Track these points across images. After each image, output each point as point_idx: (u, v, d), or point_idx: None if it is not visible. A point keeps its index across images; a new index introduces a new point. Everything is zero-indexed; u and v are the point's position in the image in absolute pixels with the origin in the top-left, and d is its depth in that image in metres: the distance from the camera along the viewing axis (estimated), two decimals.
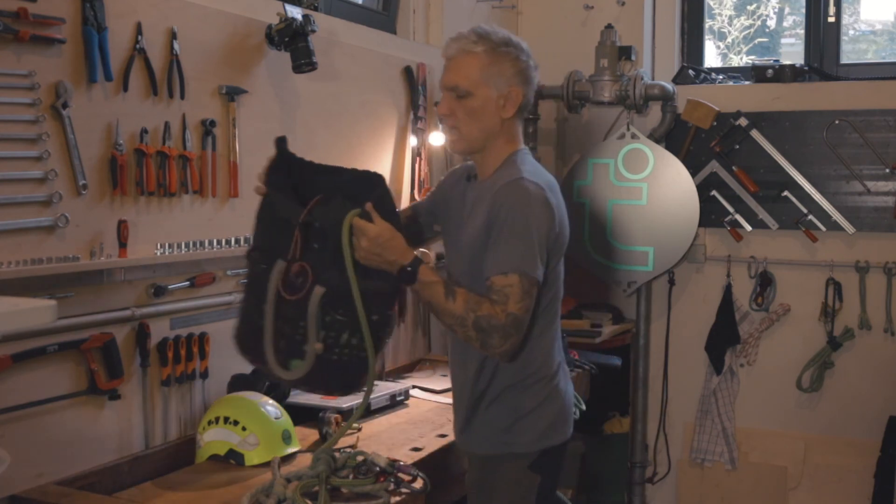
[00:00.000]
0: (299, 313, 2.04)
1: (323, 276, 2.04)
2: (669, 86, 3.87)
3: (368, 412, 2.72)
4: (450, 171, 2.43)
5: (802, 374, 3.87)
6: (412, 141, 3.44)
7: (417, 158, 3.46)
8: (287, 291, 2.07)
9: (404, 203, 3.42)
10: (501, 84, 2.11)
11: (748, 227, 3.90)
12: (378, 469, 2.08)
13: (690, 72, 4.07)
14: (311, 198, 2.07)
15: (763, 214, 3.87)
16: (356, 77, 3.13)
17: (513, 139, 2.19)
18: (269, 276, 2.08)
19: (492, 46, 2.11)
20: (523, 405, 2.15)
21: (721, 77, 4.09)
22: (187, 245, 2.42)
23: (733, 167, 3.89)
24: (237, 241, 2.60)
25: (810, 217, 3.80)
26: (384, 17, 3.59)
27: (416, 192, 3.46)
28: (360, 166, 3.15)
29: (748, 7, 4.47)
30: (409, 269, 2.01)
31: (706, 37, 4.35)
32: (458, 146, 2.19)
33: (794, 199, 3.82)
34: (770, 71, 3.90)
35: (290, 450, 2.35)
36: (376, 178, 2.08)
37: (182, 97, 2.42)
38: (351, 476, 2.08)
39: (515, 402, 2.15)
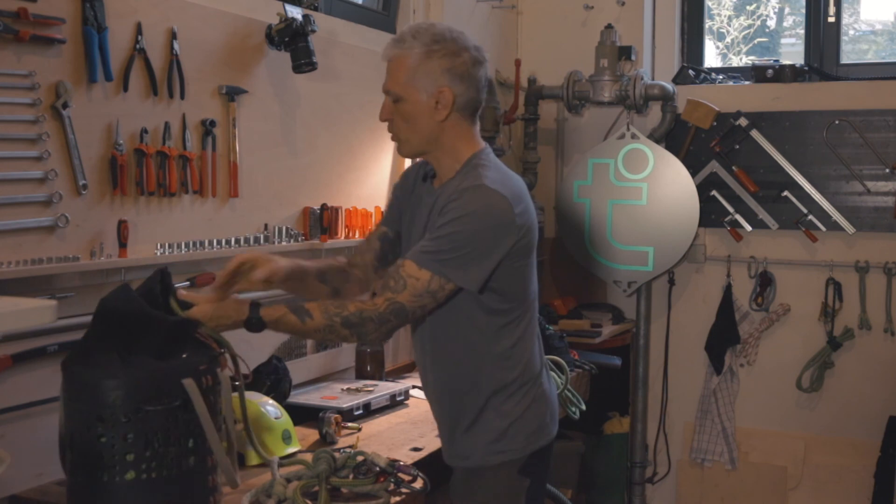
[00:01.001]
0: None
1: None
2: (669, 86, 3.88)
3: (368, 412, 2.72)
4: (402, 174, 2.31)
5: (802, 374, 3.88)
6: None
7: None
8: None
9: None
10: (430, 86, 1.98)
11: (748, 227, 3.90)
12: (378, 469, 2.07)
13: (690, 72, 4.07)
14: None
15: (763, 214, 3.87)
16: (356, 77, 3.13)
17: (467, 140, 2.04)
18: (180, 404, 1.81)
19: (423, 45, 1.98)
20: (512, 411, 2.06)
21: (721, 77, 4.09)
22: (187, 245, 2.43)
23: (733, 167, 3.89)
24: (237, 242, 2.60)
25: (810, 217, 3.80)
26: (384, 17, 3.59)
27: None
28: (360, 167, 3.18)
29: (748, 7, 4.47)
30: (253, 320, 1.93)
31: (706, 37, 4.35)
32: (402, 151, 2.11)
33: (794, 199, 3.82)
34: (770, 71, 3.91)
35: (290, 450, 2.34)
36: (160, 274, 1.96)
37: (182, 97, 2.42)
38: (351, 476, 2.07)
39: (504, 408, 2.06)
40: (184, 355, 1.87)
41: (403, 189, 2.23)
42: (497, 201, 1.94)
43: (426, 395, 2.20)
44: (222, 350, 1.95)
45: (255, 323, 1.94)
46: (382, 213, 2.29)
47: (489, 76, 2.09)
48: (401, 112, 2.02)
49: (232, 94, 2.57)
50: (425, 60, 1.98)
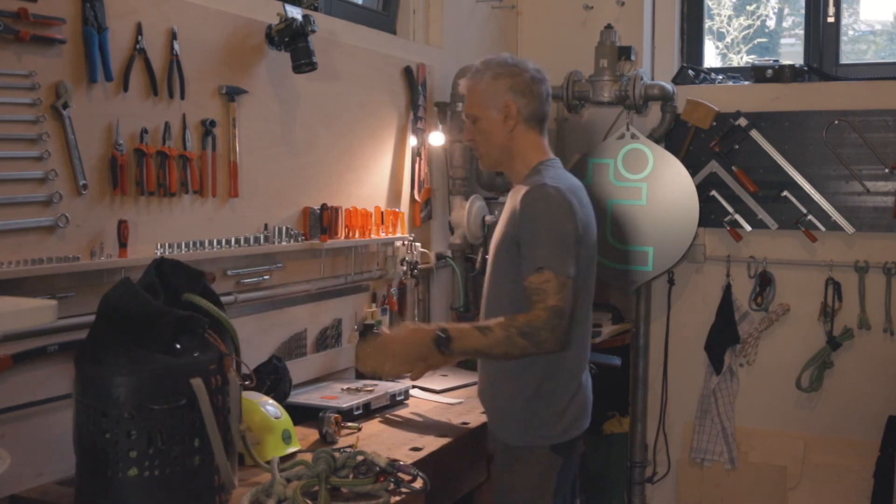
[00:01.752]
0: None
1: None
2: (669, 86, 3.87)
3: (368, 412, 2.72)
4: None
5: (802, 373, 3.88)
6: (412, 141, 3.44)
7: (417, 158, 3.47)
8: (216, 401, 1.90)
9: (404, 203, 3.42)
10: (498, 102, 2.34)
11: (748, 227, 3.90)
12: (378, 469, 2.08)
13: (690, 72, 4.07)
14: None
15: (763, 214, 3.87)
16: (356, 77, 3.13)
17: (536, 149, 2.40)
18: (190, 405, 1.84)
19: (491, 71, 2.35)
20: (560, 400, 2.32)
21: (721, 77, 4.09)
22: (187, 245, 2.43)
23: (733, 167, 3.89)
24: (237, 242, 2.60)
25: (810, 217, 3.80)
26: (384, 17, 3.60)
27: (415, 191, 3.46)
28: (360, 167, 3.18)
29: (747, 7, 4.48)
30: (441, 335, 2.19)
31: (706, 37, 4.35)
32: (484, 164, 2.47)
33: (793, 199, 3.82)
34: (769, 71, 3.90)
35: (290, 450, 2.35)
36: None
37: (182, 97, 2.42)
38: (351, 476, 2.08)
39: (554, 396, 2.31)
40: (195, 354, 1.87)
41: None
42: (554, 192, 2.25)
43: (479, 376, 2.46)
44: (228, 352, 1.95)
45: (444, 340, 2.19)
46: None
47: (550, 91, 2.44)
48: (479, 130, 2.38)
49: (232, 94, 2.57)
50: (493, 82, 2.35)
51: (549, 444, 2.32)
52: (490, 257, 2.42)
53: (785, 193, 3.83)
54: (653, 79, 4.02)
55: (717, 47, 4.53)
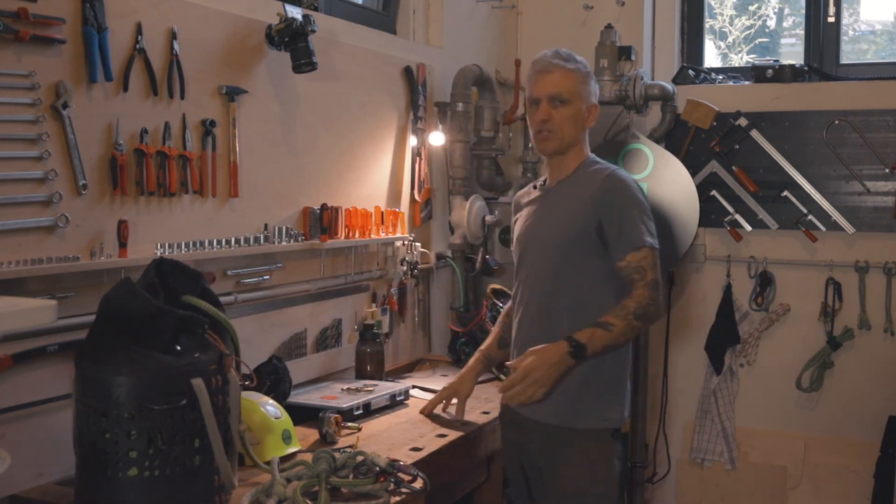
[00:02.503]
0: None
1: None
2: (669, 86, 3.87)
3: (368, 412, 2.72)
4: (514, 205, 2.71)
5: (802, 373, 3.88)
6: (412, 141, 3.44)
7: (417, 158, 3.47)
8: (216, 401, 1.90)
9: (404, 203, 3.42)
10: (589, 99, 2.51)
11: (748, 227, 3.90)
12: (378, 469, 2.08)
13: (690, 72, 4.07)
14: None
15: (763, 214, 3.87)
16: (356, 77, 3.13)
17: (587, 147, 2.57)
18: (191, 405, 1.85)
19: (579, 67, 2.49)
20: (620, 384, 2.45)
21: (721, 77, 4.09)
22: (187, 245, 2.43)
23: (733, 167, 3.89)
24: (237, 242, 2.60)
25: (810, 217, 3.80)
26: (384, 17, 3.59)
27: (415, 191, 3.46)
28: (360, 167, 3.18)
29: (749, 7, 4.47)
30: (574, 347, 2.30)
31: (706, 37, 4.35)
32: (552, 145, 2.49)
33: (793, 199, 3.82)
34: (770, 71, 3.91)
35: (290, 450, 2.34)
36: None
37: (182, 97, 2.42)
38: (351, 476, 2.08)
39: (615, 381, 2.43)
40: (196, 354, 1.87)
41: (516, 215, 2.66)
42: (631, 180, 2.48)
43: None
44: (228, 352, 1.95)
45: (577, 349, 2.30)
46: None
47: None
48: (564, 114, 2.46)
49: (232, 94, 2.57)
50: (588, 80, 2.51)
51: (611, 429, 2.41)
52: (550, 247, 2.45)
53: (785, 193, 3.83)
54: (653, 79, 4.02)
55: (718, 47, 4.53)
